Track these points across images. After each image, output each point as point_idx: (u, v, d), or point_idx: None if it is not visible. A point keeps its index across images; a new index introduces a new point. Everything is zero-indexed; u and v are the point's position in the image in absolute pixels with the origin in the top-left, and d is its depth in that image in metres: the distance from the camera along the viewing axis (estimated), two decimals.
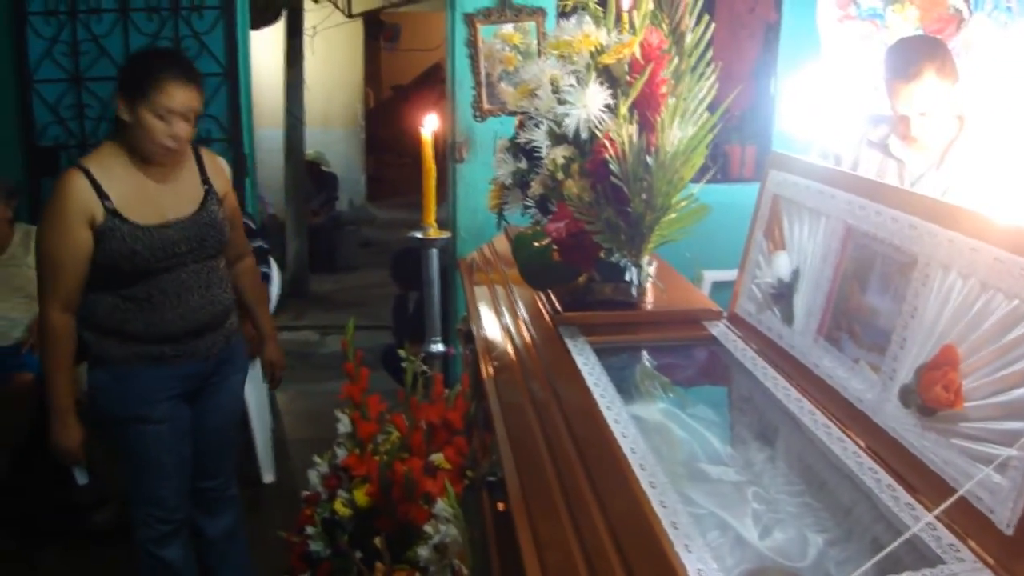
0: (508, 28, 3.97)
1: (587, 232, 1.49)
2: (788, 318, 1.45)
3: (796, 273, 1.45)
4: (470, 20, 3.95)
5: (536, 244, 1.61)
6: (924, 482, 1.02)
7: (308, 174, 8.78)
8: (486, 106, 4.07)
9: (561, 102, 1.61)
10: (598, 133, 1.52)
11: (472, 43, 3.95)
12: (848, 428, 1.19)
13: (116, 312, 2.35)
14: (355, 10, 9.57)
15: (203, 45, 4.49)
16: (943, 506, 0.94)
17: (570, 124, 1.57)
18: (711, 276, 3.89)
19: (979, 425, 0.97)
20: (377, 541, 2.02)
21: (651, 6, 1.62)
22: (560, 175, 1.56)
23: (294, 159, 8.09)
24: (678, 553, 0.91)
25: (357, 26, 10.41)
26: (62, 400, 2.34)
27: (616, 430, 1.20)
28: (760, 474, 1.23)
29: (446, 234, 2.83)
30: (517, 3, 4.02)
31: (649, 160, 1.49)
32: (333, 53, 10.15)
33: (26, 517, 3.67)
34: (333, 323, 6.05)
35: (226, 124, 4.58)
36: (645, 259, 1.66)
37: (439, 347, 2.81)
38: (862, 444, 1.15)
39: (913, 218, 1.17)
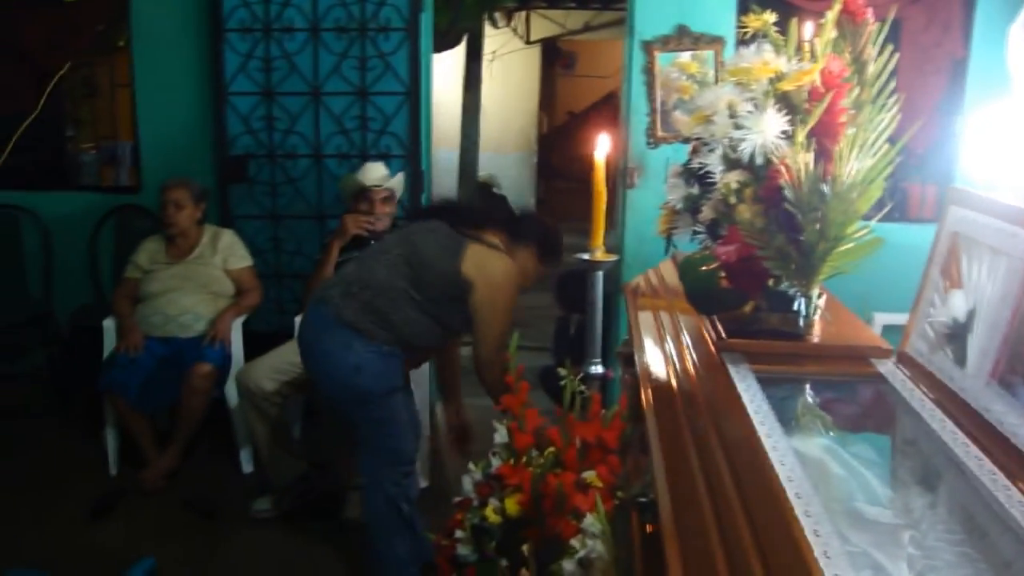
0: (685, 56, 3.98)
1: (757, 258, 1.48)
2: (960, 359, 1.40)
3: (972, 313, 1.40)
4: (648, 48, 3.98)
5: (704, 268, 1.61)
6: None
7: (479, 196, 8.94)
8: (660, 133, 4.08)
9: (737, 127, 1.61)
10: (774, 159, 1.51)
11: (649, 70, 3.97)
12: (1016, 476, 1.14)
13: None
14: (533, 36, 9.74)
15: (388, 65, 4.67)
16: None
17: (746, 149, 1.56)
18: (882, 319, 3.77)
19: None
20: (525, 549, 2.04)
21: (833, 34, 1.60)
22: (733, 199, 1.55)
23: (467, 180, 8.26)
24: None
25: (534, 52, 10.57)
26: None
27: (774, 458, 1.18)
28: (919, 519, 1.19)
29: (613, 258, 2.84)
30: (696, 31, 4.02)
31: (825, 189, 1.47)
32: (510, 78, 10.32)
33: (198, 498, 3.87)
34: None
35: (406, 142, 4.73)
36: (815, 290, 1.63)
37: (598, 368, 2.82)
38: None
39: None
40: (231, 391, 4.02)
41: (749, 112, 1.60)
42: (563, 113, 12.93)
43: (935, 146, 4.32)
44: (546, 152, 11.85)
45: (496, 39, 8.99)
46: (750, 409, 1.35)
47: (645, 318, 2.13)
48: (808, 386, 1.60)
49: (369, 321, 2.88)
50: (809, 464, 1.27)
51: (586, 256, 2.80)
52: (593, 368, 2.81)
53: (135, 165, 5.11)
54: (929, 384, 1.47)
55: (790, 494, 1.08)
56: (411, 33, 4.63)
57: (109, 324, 4.21)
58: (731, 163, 1.63)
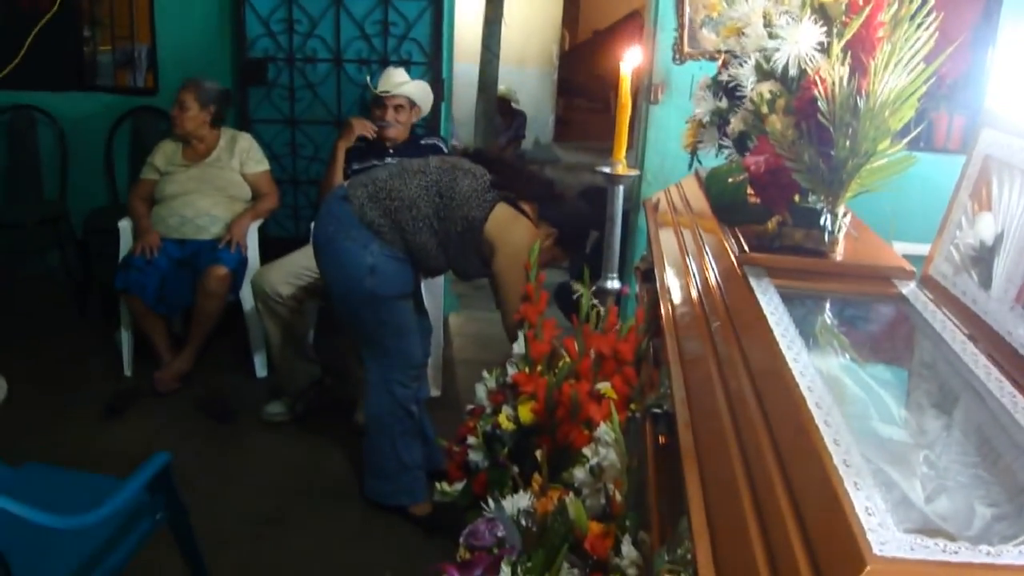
0: None
1: (786, 170, 1.46)
2: (986, 283, 1.38)
3: (999, 237, 1.38)
4: None
5: (731, 179, 1.59)
6: None
7: (498, 110, 8.86)
8: (687, 49, 4.01)
9: (771, 37, 1.57)
10: (808, 71, 1.48)
11: None
12: None
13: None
14: None
15: None
16: None
17: (780, 59, 1.53)
18: (901, 248, 3.74)
19: None
20: (538, 454, 2.06)
21: None
22: (765, 109, 1.53)
23: (486, 94, 8.18)
24: (848, 490, 0.90)
25: None
26: None
27: (795, 371, 1.18)
28: (935, 439, 1.19)
29: (634, 172, 2.82)
30: None
31: (859, 103, 1.44)
32: None
33: (211, 399, 3.91)
34: None
35: (427, 49, 4.67)
36: (841, 208, 1.62)
37: (615, 284, 2.82)
38: None
39: None
40: (246, 295, 4.04)
41: (784, 23, 1.56)
42: (585, 30, 12.75)
43: (965, 76, 4.24)
44: (567, 69, 11.72)
45: None
46: (772, 323, 1.34)
47: (666, 234, 2.12)
48: (830, 304, 1.59)
49: (388, 227, 2.88)
50: (828, 382, 1.26)
51: (607, 169, 2.78)
52: (610, 283, 2.81)
53: (152, 67, 5.07)
54: (952, 306, 1.46)
55: (811, 406, 1.08)
56: None
57: (125, 225, 4.21)
58: (764, 74, 1.60)
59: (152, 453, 2.15)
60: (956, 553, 0.82)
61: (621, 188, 2.83)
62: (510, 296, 2.89)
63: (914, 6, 1.56)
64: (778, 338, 1.29)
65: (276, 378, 3.95)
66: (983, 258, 1.42)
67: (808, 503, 0.93)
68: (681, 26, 3.98)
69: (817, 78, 1.43)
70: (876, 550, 0.81)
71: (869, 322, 1.59)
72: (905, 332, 1.55)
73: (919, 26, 1.56)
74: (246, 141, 4.33)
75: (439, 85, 4.62)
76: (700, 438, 1.23)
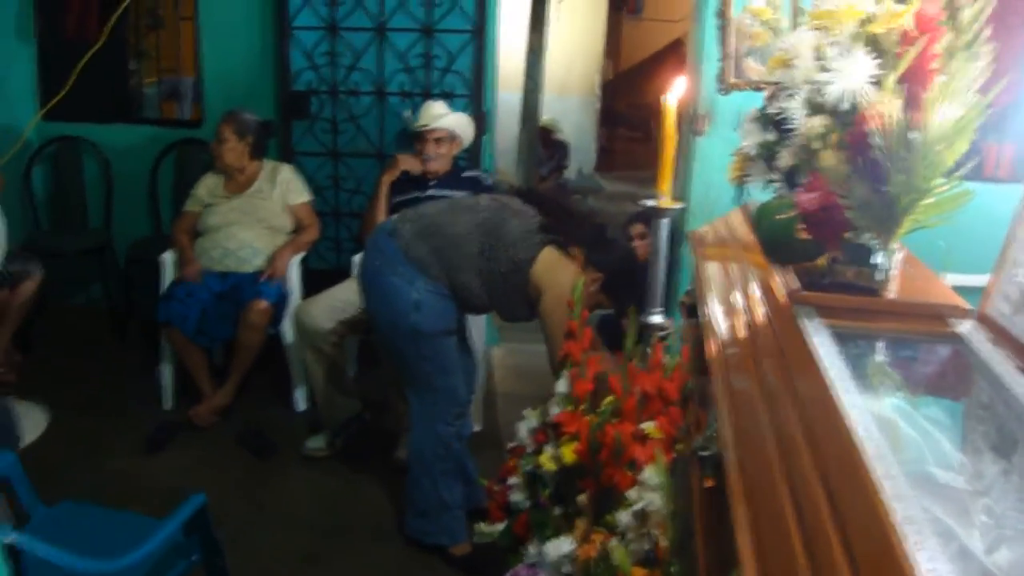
0: (759, 1, 3.84)
1: (839, 207, 1.41)
2: None
3: None
4: None
5: (781, 216, 1.55)
6: None
7: (540, 140, 8.86)
8: (731, 80, 3.96)
9: (823, 70, 1.53)
10: (862, 104, 1.44)
11: (722, 13, 3.85)
12: None
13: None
14: None
15: (454, 2, 4.60)
16: None
17: (832, 93, 1.49)
18: (952, 279, 3.65)
19: None
20: (582, 498, 2.01)
21: None
22: (817, 145, 1.48)
23: (529, 124, 8.19)
24: (907, 551, 0.85)
25: None
26: None
27: (851, 417, 1.13)
28: (992, 486, 1.14)
29: (680, 205, 2.78)
30: None
31: (912, 137, 1.40)
32: (576, 21, 10.18)
33: (251, 433, 3.90)
34: None
35: (470, 81, 4.67)
36: (894, 244, 1.57)
37: (659, 318, 2.77)
38: None
39: None
40: (287, 328, 4.03)
41: (835, 55, 1.52)
42: (628, 59, 12.75)
43: (1016, 105, 4.15)
44: (610, 99, 11.70)
45: None
46: (824, 365, 1.29)
47: (711, 267, 2.08)
48: (883, 343, 1.54)
49: (434, 264, 2.86)
50: (882, 425, 1.22)
51: (652, 201, 2.74)
52: (654, 318, 2.76)
53: (197, 100, 5.12)
54: (1011, 346, 1.41)
55: (866, 454, 1.03)
56: None
57: (167, 257, 4.24)
58: (815, 108, 1.56)
59: (191, 487, 2.14)
60: None
61: (666, 221, 2.79)
62: (557, 339, 2.85)
63: (968, 37, 1.52)
64: (830, 380, 1.24)
65: (316, 412, 3.93)
66: None
67: (864, 557, 0.89)
68: (726, 56, 3.93)
69: (872, 112, 1.38)
70: None
71: (924, 363, 1.54)
72: (962, 373, 1.49)
73: (974, 56, 1.52)
74: (288, 172, 4.34)
75: (481, 117, 4.62)
76: (749, 482, 1.19)
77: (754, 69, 3.89)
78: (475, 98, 4.69)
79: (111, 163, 5.16)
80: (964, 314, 1.56)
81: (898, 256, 1.64)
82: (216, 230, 4.19)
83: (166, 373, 4.18)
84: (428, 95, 4.63)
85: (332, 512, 3.42)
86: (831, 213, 1.42)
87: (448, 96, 4.59)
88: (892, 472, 1.00)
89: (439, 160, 4.08)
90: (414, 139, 4.15)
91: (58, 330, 5.04)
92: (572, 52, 10.45)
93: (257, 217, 4.22)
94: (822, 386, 1.23)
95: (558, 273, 2.88)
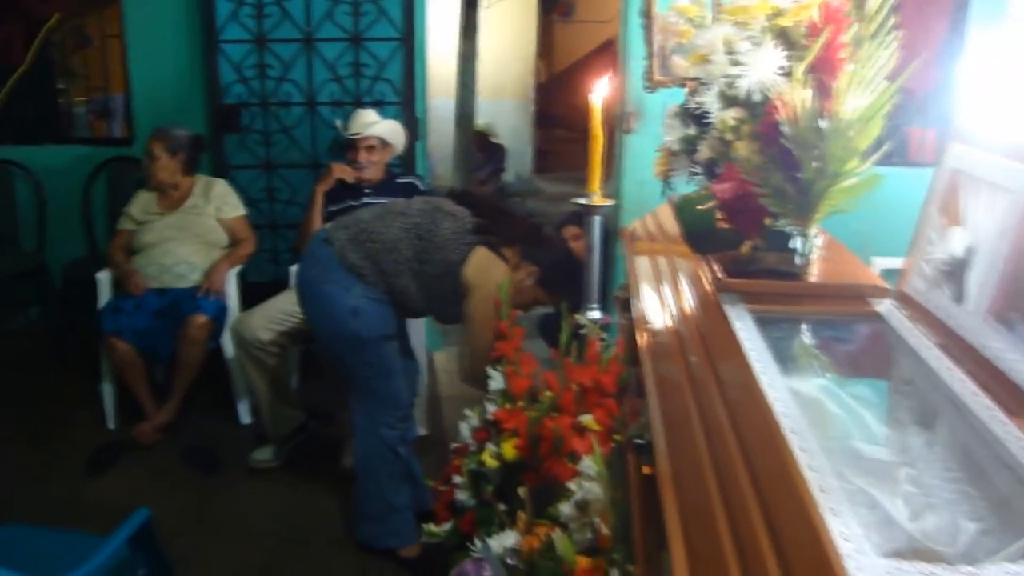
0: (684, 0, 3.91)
1: (753, 195, 1.46)
2: (958, 297, 1.38)
3: (970, 250, 1.38)
4: None
5: (701, 207, 1.59)
6: None
7: (477, 144, 8.89)
8: (657, 77, 4.03)
9: (735, 64, 1.58)
10: (771, 96, 1.49)
11: (647, 13, 3.91)
12: (1014, 412, 1.13)
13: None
14: None
15: (381, 11, 4.61)
16: None
17: (743, 85, 1.54)
18: (881, 262, 3.75)
19: None
20: (521, 492, 2.04)
21: None
22: (730, 136, 1.53)
23: (464, 128, 8.21)
24: (823, 516, 0.89)
25: None
26: None
27: (771, 397, 1.17)
28: (916, 457, 1.18)
29: (610, 202, 2.82)
30: None
31: (823, 125, 1.45)
32: (507, 25, 10.23)
33: (196, 449, 3.88)
34: None
35: (400, 88, 4.69)
36: (813, 229, 1.62)
37: (596, 314, 2.81)
38: None
39: None
40: (227, 342, 4.02)
41: (747, 49, 1.57)
42: (561, 62, 12.83)
43: (936, 90, 4.27)
44: (544, 102, 11.77)
45: None
46: (746, 348, 1.34)
47: (642, 262, 2.12)
48: (805, 326, 1.59)
49: (370, 269, 2.88)
50: (806, 404, 1.26)
51: (583, 200, 2.78)
52: (591, 313, 2.80)
53: (127, 117, 5.08)
54: (926, 322, 1.46)
55: (786, 431, 1.08)
56: None
57: (103, 276, 4.20)
58: (728, 100, 1.61)
59: (138, 506, 2.13)
60: (934, 574, 0.82)
61: (598, 219, 2.84)
62: (477, 340, 2.90)
63: (874, 26, 1.57)
64: (752, 363, 1.28)
65: (261, 424, 3.92)
66: (955, 272, 1.42)
67: (785, 531, 0.93)
68: (651, 54, 3.99)
69: (779, 102, 1.43)
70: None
71: (845, 341, 1.59)
72: (882, 350, 1.55)
73: (881, 44, 1.57)
74: (221, 187, 4.33)
75: (413, 123, 4.64)
76: (677, 467, 1.23)
77: (681, 66, 3.95)
78: (406, 105, 4.71)
79: (43, 184, 5.10)
80: (883, 293, 1.62)
81: (817, 241, 1.69)
82: (152, 247, 4.16)
83: (108, 393, 4.14)
84: (359, 104, 4.64)
85: (283, 522, 3.41)
86: (746, 202, 1.47)
87: (379, 104, 4.61)
88: (809, 446, 1.04)
89: (372, 168, 4.10)
90: (346, 148, 4.16)
91: None
92: (505, 56, 10.51)
93: (193, 233, 4.20)
94: (745, 369, 1.27)
95: (487, 273, 2.91)
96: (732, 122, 1.55)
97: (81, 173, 5.05)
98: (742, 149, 1.50)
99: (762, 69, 1.52)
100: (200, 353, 4.01)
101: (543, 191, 10.35)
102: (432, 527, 2.50)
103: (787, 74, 1.52)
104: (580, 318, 2.76)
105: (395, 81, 4.72)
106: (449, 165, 8.53)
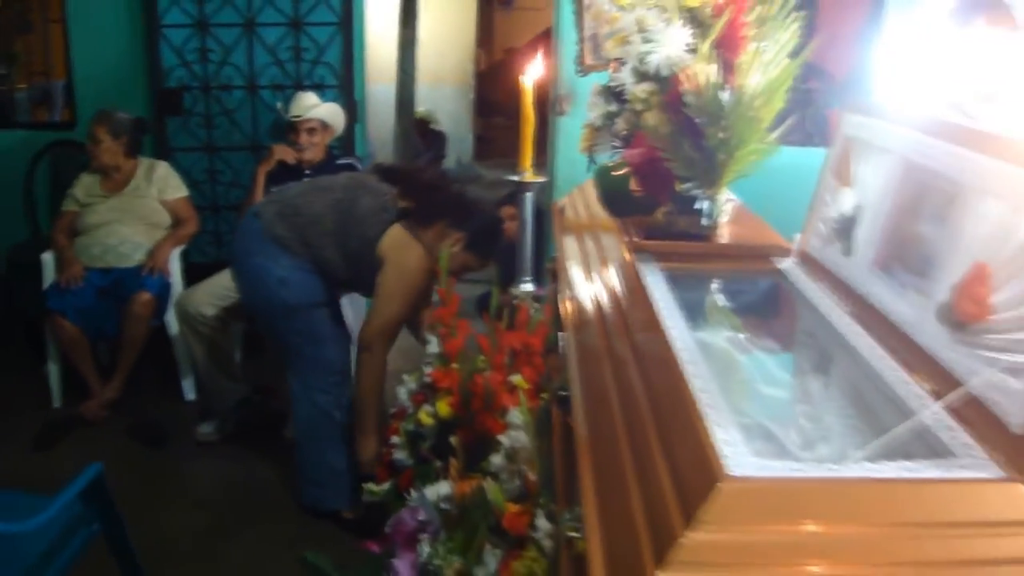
0: None
1: (661, 160, 1.59)
2: (848, 251, 1.51)
3: (858, 208, 1.52)
4: None
5: (615, 173, 1.72)
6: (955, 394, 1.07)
7: (417, 131, 8.94)
8: (589, 61, 4.16)
9: (646, 42, 1.71)
10: (676, 71, 1.62)
11: None
12: (896, 351, 1.25)
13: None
14: None
15: None
16: (951, 397, 1.03)
17: (652, 61, 1.67)
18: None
19: (1003, 336, 1.02)
20: (453, 441, 2.16)
21: None
22: (640, 107, 1.66)
23: (404, 115, 8.26)
24: (708, 427, 1.01)
25: None
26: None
27: (675, 345, 1.29)
28: (812, 396, 1.31)
29: (541, 178, 2.94)
30: None
31: (725, 97, 1.58)
32: (447, 12, 10.27)
33: (142, 424, 3.95)
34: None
35: (339, 72, 4.77)
36: (721, 194, 1.75)
37: (529, 287, 2.94)
38: (903, 362, 1.21)
39: (961, 149, 1.22)
40: (171, 320, 4.09)
41: (658, 28, 1.70)
42: (500, 50, 12.92)
43: (856, 73, 4.44)
44: (484, 89, 11.85)
45: None
46: (655, 301, 1.46)
47: (568, 234, 2.25)
48: (712, 283, 1.72)
49: (295, 241, 3.00)
50: (709, 351, 1.38)
51: (516, 177, 2.91)
52: (524, 286, 2.92)
53: (69, 102, 5.09)
54: (821, 275, 1.59)
55: (686, 370, 1.19)
56: None
57: (47, 257, 4.24)
58: (640, 76, 1.73)
59: None
60: (801, 470, 0.94)
61: (530, 195, 2.96)
62: (380, 308, 3.05)
63: (774, 8, 1.71)
64: (659, 314, 1.41)
65: (205, 399, 4.00)
66: (845, 229, 1.55)
67: (676, 442, 1.06)
68: (582, 39, 4.12)
69: (684, 76, 1.56)
70: (728, 471, 0.93)
71: (748, 295, 1.72)
72: (782, 302, 1.68)
73: (783, 26, 1.71)
74: (163, 169, 4.39)
75: (352, 106, 4.73)
76: (590, 409, 1.35)
77: (610, 50, 4.08)
78: (345, 88, 4.80)
79: None
80: (784, 252, 1.75)
81: (727, 205, 1.83)
82: (96, 228, 4.22)
83: (53, 371, 4.19)
84: (300, 86, 4.72)
85: (229, 491, 3.51)
86: (654, 166, 1.60)
87: (319, 87, 4.70)
88: (704, 376, 1.17)
89: (312, 149, 4.20)
90: (288, 130, 4.25)
91: None
92: (444, 42, 10.56)
93: (136, 214, 4.26)
94: (653, 320, 1.39)
95: (401, 251, 3.04)
96: (643, 95, 1.68)
97: (23, 157, 5.05)
98: (651, 119, 1.63)
99: (670, 46, 1.65)
100: (144, 330, 4.08)
101: (483, 177, 10.41)
102: (372, 487, 2.60)
103: (695, 51, 1.65)
104: (514, 291, 2.89)
105: (334, 65, 4.80)
106: (390, 151, 8.58)
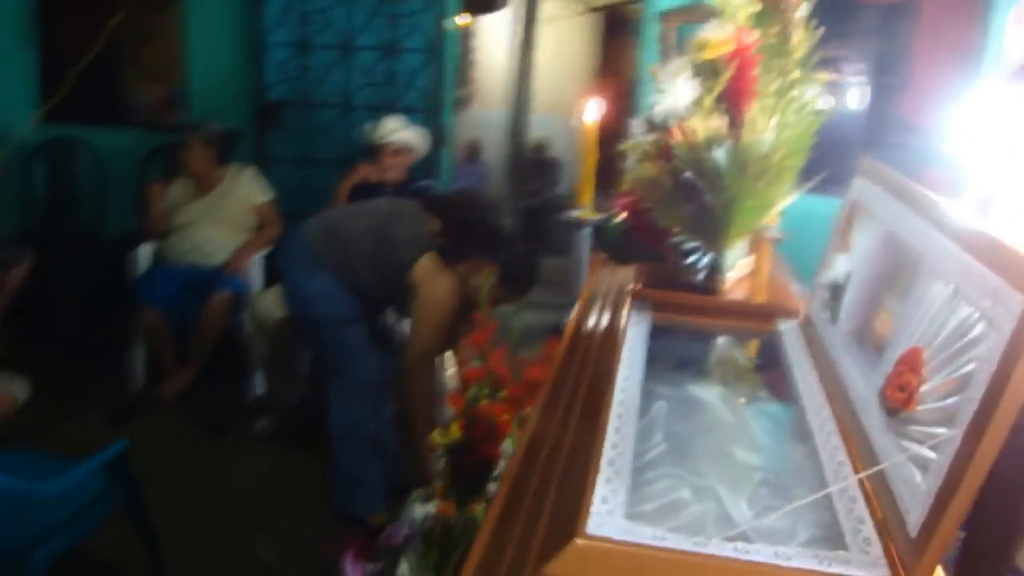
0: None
1: (646, 212, 1.58)
2: (835, 318, 1.48)
3: (848, 276, 1.48)
4: (664, 18, 4.07)
5: (614, 221, 1.73)
6: (877, 482, 1.04)
7: (532, 158, 9.03)
8: None
9: (658, 93, 1.71)
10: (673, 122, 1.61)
11: (663, 39, 4.05)
12: (844, 427, 1.22)
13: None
14: (596, 3, 9.76)
15: (415, 24, 4.99)
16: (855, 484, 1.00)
17: (658, 113, 1.67)
18: None
19: (923, 429, 0.97)
20: (441, 463, 2.19)
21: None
22: (636, 158, 1.66)
23: (516, 141, 8.36)
24: (597, 482, 1.02)
25: (595, 18, 10.55)
26: None
27: (618, 385, 1.30)
28: (735, 463, 1.25)
29: (597, 215, 2.96)
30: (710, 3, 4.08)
31: (720, 152, 1.56)
32: (570, 40, 10.30)
33: (206, 417, 4.12)
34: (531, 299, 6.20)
35: (428, 97, 5.02)
36: (727, 249, 1.72)
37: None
38: (847, 441, 1.19)
39: (928, 225, 1.19)
40: (246, 319, 4.25)
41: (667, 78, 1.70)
42: (626, 80, 12.91)
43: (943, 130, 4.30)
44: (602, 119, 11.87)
45: (554, 3, 9.04)
46: (624, 350, 1.46)
47: (600, 275, 2.25)
48: (699, 339, 1.71)
49: (333, 260, 3.10)
50: (655, 409, 1.33)
51: (574, 213, 2.93)
52: (565, 318, 2.92)
53: (182, 106, 5.38)
54: (811, 340, 1.56)
55: (608, 426, 1.17)
56: None
57: (144, 249, 4.49)
58: (650, 127, 1.73)
59: (138, 459, 2.34)
60: (664, 539, 0.92)
61: (587, 231, 2.98)
62: (415, 337, 3.09)
63: (794, 62, 1.69)
64: (621, 360, 1.41)
65: (268, 396, 4.15)
66: (836, 296, 1.51)
67: (567, 490, 1.07)
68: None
69: (676, 128, 1.55)
70: (588, 529, 0.93)
71: (726, 354, 1.69)
72: (759, 365, 1.65)
73: (802, 84, 1.69)
74: (250, 175, 4.58)
75: (438, 130, 4.86)
76: (534, 438, 1.38)
77: None
78: (433, 113, 4.97)
79: (103, 163, 5.42)
80: (792, 314, 1.70)
81: (742, 260, 1.80)
82: (184, 228, 4.43)
83: (139, 354, 4.40)
84: (390, 109, 4.85)
85: (270, 487, 3.60)
86: (640, 218, 1.60)
87: (409, 111, 4.82)
88: (624, 431, 1.17)
89: (394, 170, 4.33)
90: (374, 150, 4.37)
91: (52, 317, 5.21)
92: (563, 71, 10.62)
93: (222, 216, 4.47)
94: (612, 366, 1.38)
95: (432, 281, 3.07)
96: (647, 146, 1.68)
97: (137, 154, 5.34)
98: (645, 170, 1.62)
99: (677, 98, 1.65)
100: (220, 326, 4.24)
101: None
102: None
103: (699, 103, 1.64)
104: (563, 323, 2.89)
105: (424, 89, 4.97)
106: (502, 177, 8.68)
